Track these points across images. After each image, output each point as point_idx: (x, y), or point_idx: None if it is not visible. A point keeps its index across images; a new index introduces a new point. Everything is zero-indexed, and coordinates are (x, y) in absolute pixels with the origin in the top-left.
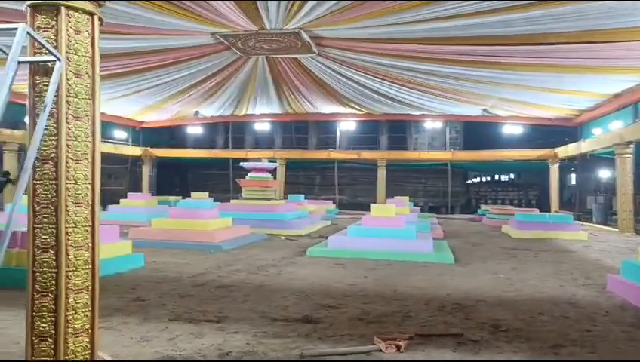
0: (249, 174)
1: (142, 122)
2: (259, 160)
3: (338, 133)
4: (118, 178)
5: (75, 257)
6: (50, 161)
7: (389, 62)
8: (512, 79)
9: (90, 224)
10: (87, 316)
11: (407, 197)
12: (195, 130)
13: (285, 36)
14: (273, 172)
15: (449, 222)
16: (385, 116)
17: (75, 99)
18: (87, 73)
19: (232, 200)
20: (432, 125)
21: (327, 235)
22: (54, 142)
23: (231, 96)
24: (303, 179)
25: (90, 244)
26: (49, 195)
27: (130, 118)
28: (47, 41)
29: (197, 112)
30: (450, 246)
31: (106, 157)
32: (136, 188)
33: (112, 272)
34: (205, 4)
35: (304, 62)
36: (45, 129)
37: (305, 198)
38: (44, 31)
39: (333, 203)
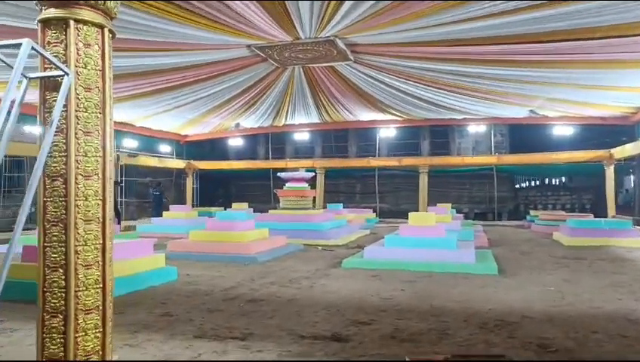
0: (286, 184)
1: (185, 136)
2: (296, 170)
3: (378, 141)
4: (164, 190)
5: (85, 276)
6: (59, 178)
7: (428, 66)
8: (560, 78)
9: (101, 241)
10: (97, 337)
11: (450, 204)
12: (236, 142)
13: (320, 45)
14: (310, 181)
15: (495, 229)
16: (426, 122)
17: (85, 114)
18: (98, 87)
19: (270, 211)
20: (475, 129)
21: (364, 245)
22: (64, 158)
23: (269, 108)
24: (344, 188)
25: (100, 262)
26: (59, 213)
27: (174, 133)
28: (56, 55)
29: (237, 124)
30: (495, 255)
31: (152, 171)
32: (181, 200)
33: (145, 286)
34: (239, 17)
35: (341, 71)
36: (55, 145)
37: (344, 207)
38: (54, 46)
39: (374, 211)
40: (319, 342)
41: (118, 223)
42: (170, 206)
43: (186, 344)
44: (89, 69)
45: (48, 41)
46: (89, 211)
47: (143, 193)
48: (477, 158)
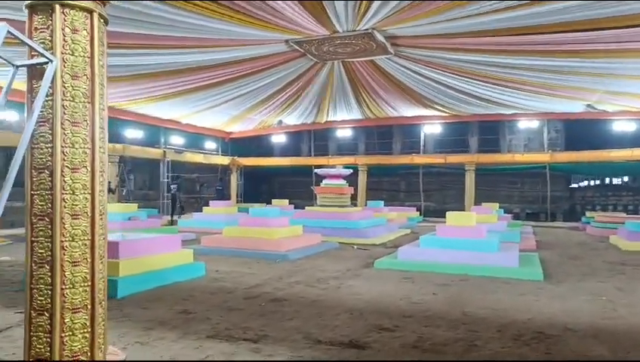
0: (323, 181)
1: (230, 133)
2: (333, 166)
3: (422, 137)
4: (209, 187)
5: (72, 273)
6: (46, 170)
7: (472, 58)
8: (620, 68)
9: (90, 238)
10: (85, 337)
11: (496, 204)
12: (279, 139)
13: (358, 38)
14: (348, 178)
15: (547, 230)
16: (474, 117)
17: (72, 103)
18: (86, 75)
19: (306, 208)
20: (527, 125)
21: (402, 245)
22: (50, 150)
23: (311, 104)
24: (387, 186)
25: (89, 259)
26: (45, 206)
27: (218, 130)
28: (42, 42)
29: (280, 121)
30: (542, 259)
31: (198, 168)
32: (227, 195)
33: (170, 282)
34: (276, 12)
35: (381, 65)
36: (41, 135)
37: (385, 205)
38: (40, 32)
39: (417, 210)
40: (334, 347)
41: (176, 216)
42: (211, 201)
43: (197, 344)
44: (76, 56)
45: (35, 27)
46: (76, 205)
47: (190, 189)
48: (528, 156)
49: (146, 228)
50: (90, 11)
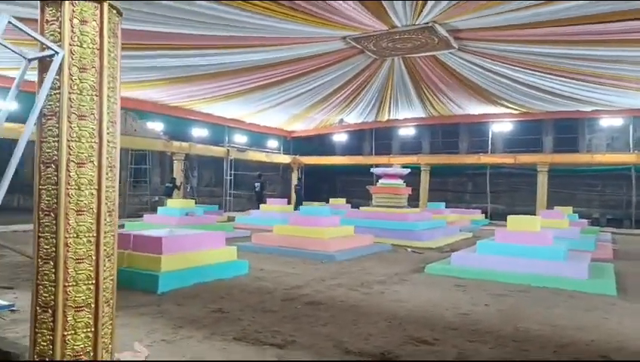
0: (379, 181)
1: (292, 132)
2: (390, 165)
3: (491, 136)
4: (271, 184)
5: (76, 271)
6: (52, 165)
7: (546, 51)
8: None
9: (95, 234)
10: (88, 337)
11: (570, 208)
12: (341, 138)
13: (419, 32)
14: (410, 178)
15: (629, 239)
16: (548, 115)
17: (79, 96)
18: (95, 67)
19: (361, 208)
20: (610, 123)
21: (460, 249)
22: (56, 144)
23: (371, 102)
24: (452, 186)
25: (94, 257)
26: (51, 202)
27: (280, 128)
28: (52, 34)
29: (341, 120)
30: (618, 271)
31: (260, 166)
32: (287, 194)
33: (212, 279)
34: (332, 8)
35: (444, 60)
36: (48, 129)
37: (450, 207)
38: (51, 24)
39: (483, 212)
40: (363, 359)
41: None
42: (268, 199)
43: (222, 345)
44: (85, 48)
45: (46, 20)
46: (81, 201)
47: (252, 186)
48: (610, 156)
49: (202, 224)
50: (100, 1)
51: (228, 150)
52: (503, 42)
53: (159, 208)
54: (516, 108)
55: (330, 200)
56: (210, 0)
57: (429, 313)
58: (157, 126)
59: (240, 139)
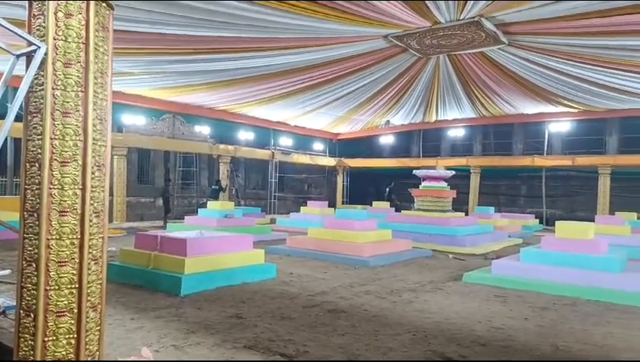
0: (422, 183)
1: (337, 134)
2: (433, 167)
3: (547, 136)
4: (317, 187)
5: (58, 274)
6: (36, 164)
7: (609, 43)
8: None
9: (79, 236)
10: (70, 344)
11: (635, 214)
12: (387, 140)
13: (464, 28)
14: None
15: None
16: (611, 113)
17: (64, 92)
18: (80, 62)
19: (403, 211)
20: None
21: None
22: (41, 142)
23: (417, 102)
24: (505, 190)
25: (77, 260)
26: (34, 202)
27: (326, 131)
28: (38, 28)
29: (387, 122)
30: None
31: (306, 168)
32: (333, 197)
33: (237, 282)
34: (371, 5)
35: (493, 56)
36: (33, 127)
37: (502, 211)
38: (37, 18)
39: (536, 217)
40: None
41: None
42: (308, 202)
43: (231, 353)
44: (69, 42)
45: (33, 14)
46: (65, 201)
47: (298, 188)
48: None
49: (240, 226)
50: None
51: (272, 153)
52: (556, 35)
53: (200, 210)
54: (576, 106)
55: (374, 203)
56: (247, 1)
57: (458, 326)
58: (204, 129)
59: (286, 141)
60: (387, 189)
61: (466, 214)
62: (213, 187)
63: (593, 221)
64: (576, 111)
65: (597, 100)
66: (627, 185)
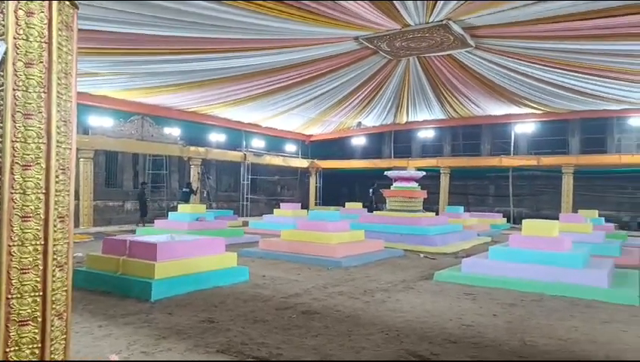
0: (394, 184)
1: (310, 136)
2: (404, 168)
3: (513, 137)
4: (289, 189)
5: (20, 282)
6: None
7: (571, 47)
8: None
9: (43, 243)
10: (34, 354)
11: (595, 211)
12: (359, 141)
13: (433, 30)
14: (430, 182)
15: None
16: (574, 114)
17: (25, 93)
18: (42, 62)
19: (375, 212)
20: None
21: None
22: (0, 145)
23: (388, 104)
24: (474, 190)
25: (41, 267)
26: None
27: (298, 133)
28: None
29: (359, 123)
30: None
31: (279, 170)
32: (306, 198)
33: (209, 286)
34: (341, 7)
35: (461, 59)
36: None
37: (472, 210)
38: None
39: (504, 216)
40: None
41: None
42: (281, 204)
43: (203, 358)
44: (31, 41)
45: None
46: (27, 206)
47: (271, 190)
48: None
49: (212, 229)
50: None
51: (244, 154)
52: (521, 39)
53: (170, 213)
54: (539, 107)
55: (346, 204)
56: (215, 1)
57: (430, 324)
58: (174, 131)
59: (258, 143)
60: (371, 190)
61: (437, 214)
62: (184, 190)
63: (558, 219)
64: (540, 112)
65: (559, 102)
66: (589, 184)
